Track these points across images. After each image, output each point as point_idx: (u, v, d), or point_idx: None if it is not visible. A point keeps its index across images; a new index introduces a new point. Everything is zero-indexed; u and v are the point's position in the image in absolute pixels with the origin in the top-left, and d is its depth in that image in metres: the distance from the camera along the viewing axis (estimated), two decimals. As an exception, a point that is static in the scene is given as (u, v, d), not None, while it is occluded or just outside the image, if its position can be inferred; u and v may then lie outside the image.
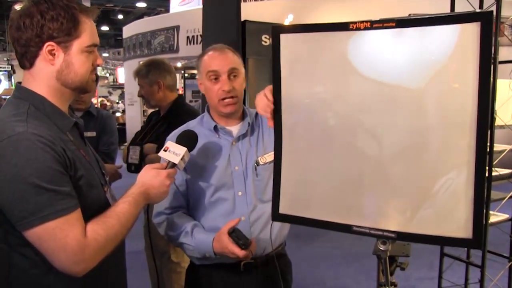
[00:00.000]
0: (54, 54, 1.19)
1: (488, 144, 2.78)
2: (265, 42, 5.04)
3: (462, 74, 1.21)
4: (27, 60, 1.21)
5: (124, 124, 13.26)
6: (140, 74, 2.71)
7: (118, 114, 15.98)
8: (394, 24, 1.27)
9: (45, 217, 1.07)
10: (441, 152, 1.26)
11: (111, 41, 24.25)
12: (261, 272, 1.67)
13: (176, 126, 1.77)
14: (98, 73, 16.90)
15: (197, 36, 8.54)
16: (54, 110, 1.22)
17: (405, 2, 7.46)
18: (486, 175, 1.24)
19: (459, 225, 1.23)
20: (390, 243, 1.26)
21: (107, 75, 18.81)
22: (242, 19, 4.60)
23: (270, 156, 1.65)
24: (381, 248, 1.26)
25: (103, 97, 21.08)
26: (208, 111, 1.74)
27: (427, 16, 1.23)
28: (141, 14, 18.14)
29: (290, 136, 1.46)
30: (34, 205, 1.07)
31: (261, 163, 1.67)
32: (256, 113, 1.75)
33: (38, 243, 1.10)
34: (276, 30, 1.43)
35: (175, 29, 9.18)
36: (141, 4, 18.06)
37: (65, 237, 1.09)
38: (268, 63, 3.47)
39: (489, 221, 2.79)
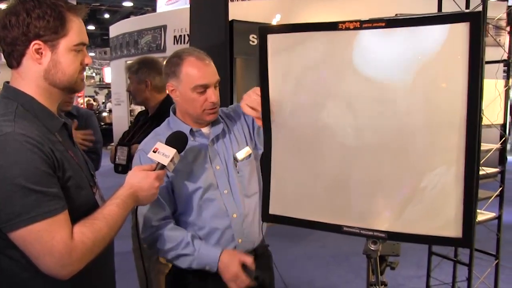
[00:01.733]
0: (41, 53, 1.17)
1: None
2: (253, 41, 5.03)
3: (451, 73, 1.22)
4: (14, 59, 1.18)
5: (111, 124, 13.15)
6: (131, 70, 2.72)
7: (104, 114, 15.83)
8: (383, 24, 1.27)
9: (31, 219, 1.05)
10: (429, 151, 1.27)
11: (98, 40, 24.04)
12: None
13: None
14: (85, 73, 16.72)
15: (184, 35, 8.50)
16: (42, 110, 1.20)
17: (392, 2, 7.51)
18: (475, 173, 1.24)
19: (449, 224, 1.24)
20: (380, 243, 1.26)
21: (94, 74, 18.63)
22: (230, 18, 4.58)
23: (246, 151, 1.70)
24: (372, 248, 1.26)
25: (89, 96, 20.91)
26: (174, 113, 1.72)
27: (417, 16, 1.23)
28: (127, 14, 18.03)
29: (279, 137, 1.46)
30: (21, 207, 1.05)
31: (239, 158, 1.68)
32: (223, 112, 1.77)
33: (24, 246, 1.07)
34: (263, 30, 1.41)
35: (162, 29, 9.14)
36: (127, 4, 17.95)
37: (52, 240, 1.07)
38: (256, 63, 3.46)
39: (476, 220, 2.82)
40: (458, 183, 1.23)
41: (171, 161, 1.39)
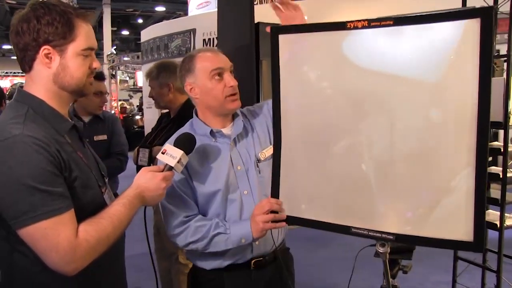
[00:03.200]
0: (51, 58, 1.23)
1: (503, 144, 2.72)
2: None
3: (463, 72, 1.18)
4: (26, 64, 1.25)
5: (143, 127, 13.39)
6: (151, 76, 2.77)
7: (137, 117, 16.13)
8: (391, 23, 1.25)
9: (38, 217, 1.10)
10: (442, 152, 1.24)
11: (132, 45, 24.59)
12: (270, 268, 1.70)
13: None
14: (119, 77, 16.68)
15: (213, 38, 8.56)
16: (52, 113, 1.25)
17: (418, 2, 7.34)
18: (487, 176, 1.20)
19: (459, 227, 1.21)
20: (388, 245, 1.24)
21: (127, 78, 19.05)
22: (256, 21, 4.59)
23: (269, 150, 1.66)
24: (380, 251, 1.24)
25: (123, 100, 21.34)
26: (197, 115, 1.73)
27: (425, 14, 1.21)
28: (160, 18, 18.33)
29: (289, 137, 1.45)
30: (27, 205, 1.10)
31: (262, 159, 1.67)
32: (247, 110, 1.77)
33: (31, 242, 1.13)
34: (274, 30, 1.43)
35: (192, 32, 9.25)
36: (160, 8, 18.27)
37: (57, 237, 1.11)
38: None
39: (505, 224, 2.72)
40: (469, 184, 1.19)
41: (178, 162, 1.40)
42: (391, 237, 1.26)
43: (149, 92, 2.86)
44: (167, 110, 2.92)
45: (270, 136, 1.70)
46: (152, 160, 2.60)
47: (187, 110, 2.69)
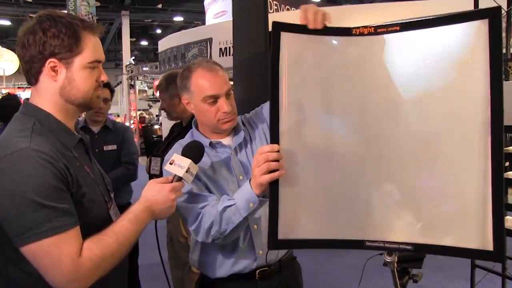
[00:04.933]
0: (57, 71, 1.20)
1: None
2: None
3: (474, 75, 1.15)
4: (32, 77, 1.23)
5: (161, 137, 13.50)
6: (160, 88, 2.77)
7: (156, 127, 16.26)
8: (398, 28, 1.22)
9: (42, 234, 1.07)
10: (455, 160, 1.19)
11: (150, 55, 24.92)
12: (276, 278, 1.66)
13: None
14: (138, 87, 16.69)
15: (229, 47, 8.58)
16: (59, 126, 1.23)
17: (434, 6, 7.26)
18: (504, 181, 1.15)
19: (478, 235, 1.15)
20: (396, 254, 1.20)
21: (146, 88, 19.26)
22: (270, 29, 4.59)
23: None
24: (387, 260, 1.20)
25: (142, 110, 21.56)
26: (196, 127, 1.71)
27: (431, 17, 1.17)
28: (179, 28, 18.53)
29: (289, 148, 1.32)
30: (31, 221, 1.07)
31: None
32: (242, 119, 1.74)
33: (33, 259, 1.09)
34: (276, 26, 1.33)
35: (208, 42, 9.29)
36: (178, 18, 18.46)
37: (60, 255, 1.08)
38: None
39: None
40: (485, 191, 1.14)
41: (187, 172, 1.35)
42: (409, 247, 1.21)
43: (160, 105, 2.86)
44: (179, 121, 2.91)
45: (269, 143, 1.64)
46: (164, 169, 2.59)
47: (197, 118, 2.72)
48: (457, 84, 1.17)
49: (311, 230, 1.33)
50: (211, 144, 1.64)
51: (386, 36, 1.24)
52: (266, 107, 1.73)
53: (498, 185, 1.13)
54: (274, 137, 1.32)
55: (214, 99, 1.57)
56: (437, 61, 1.18)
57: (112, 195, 1.37)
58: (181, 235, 2.78)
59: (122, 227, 1.20)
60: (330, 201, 1.32)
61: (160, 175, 2.58)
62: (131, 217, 1.23)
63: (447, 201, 1.20)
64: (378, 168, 1.27)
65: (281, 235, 1.31)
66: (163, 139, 3.01)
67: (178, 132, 2.82)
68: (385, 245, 1.25)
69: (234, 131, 1.69)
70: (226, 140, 1.67)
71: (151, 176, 2.67)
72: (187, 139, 1.71)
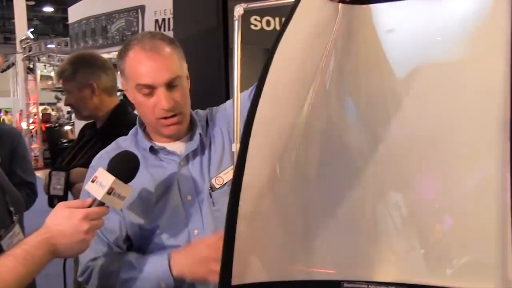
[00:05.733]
0: None
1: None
2: (255, 26, 5.04)
3: (492, 53, 1.20)
4: None
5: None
6: (64, 75, 2.69)
7: (67, 128, 15.94)
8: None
9: None
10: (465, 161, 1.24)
11: (59, 27, 24.32)
12: None
13: None
14: (39, 71, 16.33)
15: (168, 19, 8.52)
16: None
17: None
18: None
19: (498, 274, 1.19)
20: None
21: (52, 73, 18.35)
22: (225, -3, 4.61)
23: (227, 175, 1.60)
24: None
25: (47, 104, 21.05)
26: (141, 126, 1.71)
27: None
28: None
29: (259, 154, 1.25)
30: None
31: (217, 186, 1.62)
32: (207, 116, 1.74)
33: None
34: None
35: (139, 10, 9.22)
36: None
37: None
38: (259, 53, 3.45)
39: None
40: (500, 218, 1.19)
41: (110, 193, 1.32)
42: None
43: (64, 99, 2.79)
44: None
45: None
46: (70, 188, 2.55)
47: (117, 117, 2.67)
48: (471, 67, 1.23)
49: (277, 270, 1.35)
50: (151, 149, 1.63)
51: (389, 4, 1.27)
52: (229, 104, 1.72)
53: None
54: (243, 146, 1.23)
55: (150, 89, 1.55)
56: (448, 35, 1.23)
57: (14, 218, 1.35)
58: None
59: (3, 267, 1.17)
60: (302, 230, 1.36)
61: (64, 196, 2.56)
62: (18, 253, 1.20)
63: (448, 232, 1.26)
64: (374, 177, 1.33)
65: (235, 280, 1.28)
66: (70, 146, 2.95)
67: (89, 136, 2.77)
68: (369, 286, 1.29)
69: (190, 133, 1.68)
70: (176, 146, 1.66)
71: (52, 198, 2.60)
72: (129, 136, 1.71)
